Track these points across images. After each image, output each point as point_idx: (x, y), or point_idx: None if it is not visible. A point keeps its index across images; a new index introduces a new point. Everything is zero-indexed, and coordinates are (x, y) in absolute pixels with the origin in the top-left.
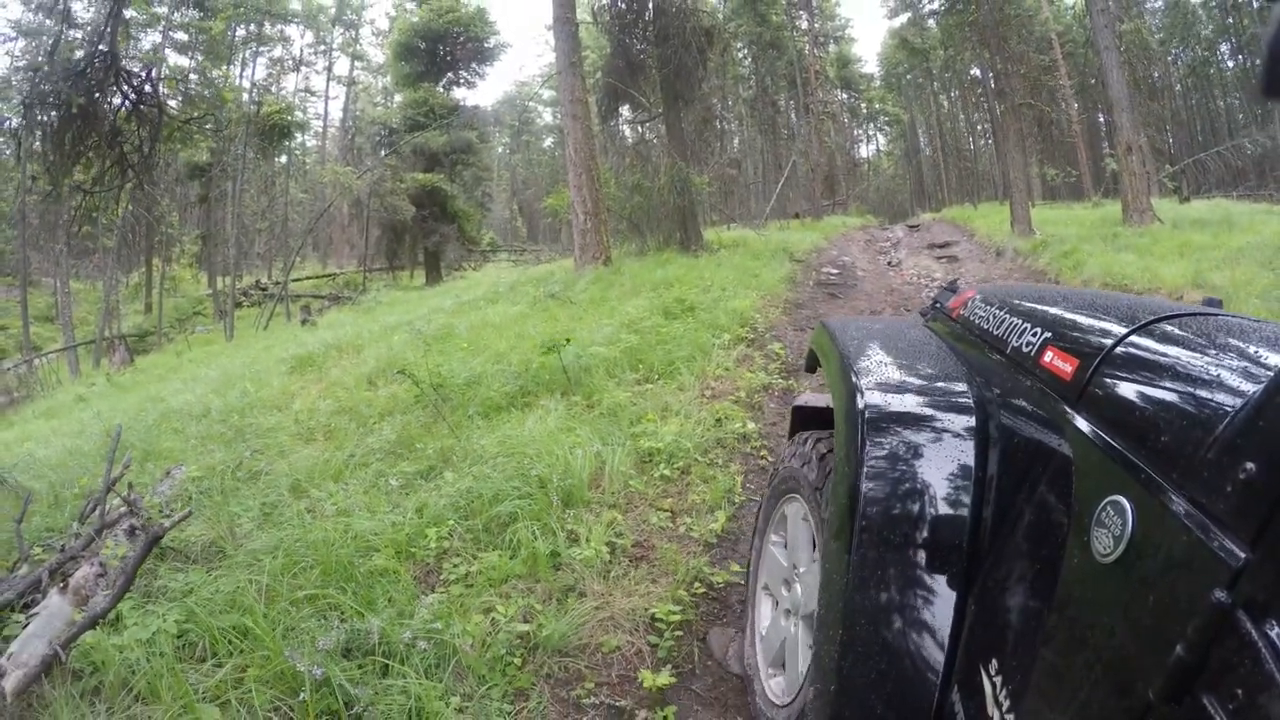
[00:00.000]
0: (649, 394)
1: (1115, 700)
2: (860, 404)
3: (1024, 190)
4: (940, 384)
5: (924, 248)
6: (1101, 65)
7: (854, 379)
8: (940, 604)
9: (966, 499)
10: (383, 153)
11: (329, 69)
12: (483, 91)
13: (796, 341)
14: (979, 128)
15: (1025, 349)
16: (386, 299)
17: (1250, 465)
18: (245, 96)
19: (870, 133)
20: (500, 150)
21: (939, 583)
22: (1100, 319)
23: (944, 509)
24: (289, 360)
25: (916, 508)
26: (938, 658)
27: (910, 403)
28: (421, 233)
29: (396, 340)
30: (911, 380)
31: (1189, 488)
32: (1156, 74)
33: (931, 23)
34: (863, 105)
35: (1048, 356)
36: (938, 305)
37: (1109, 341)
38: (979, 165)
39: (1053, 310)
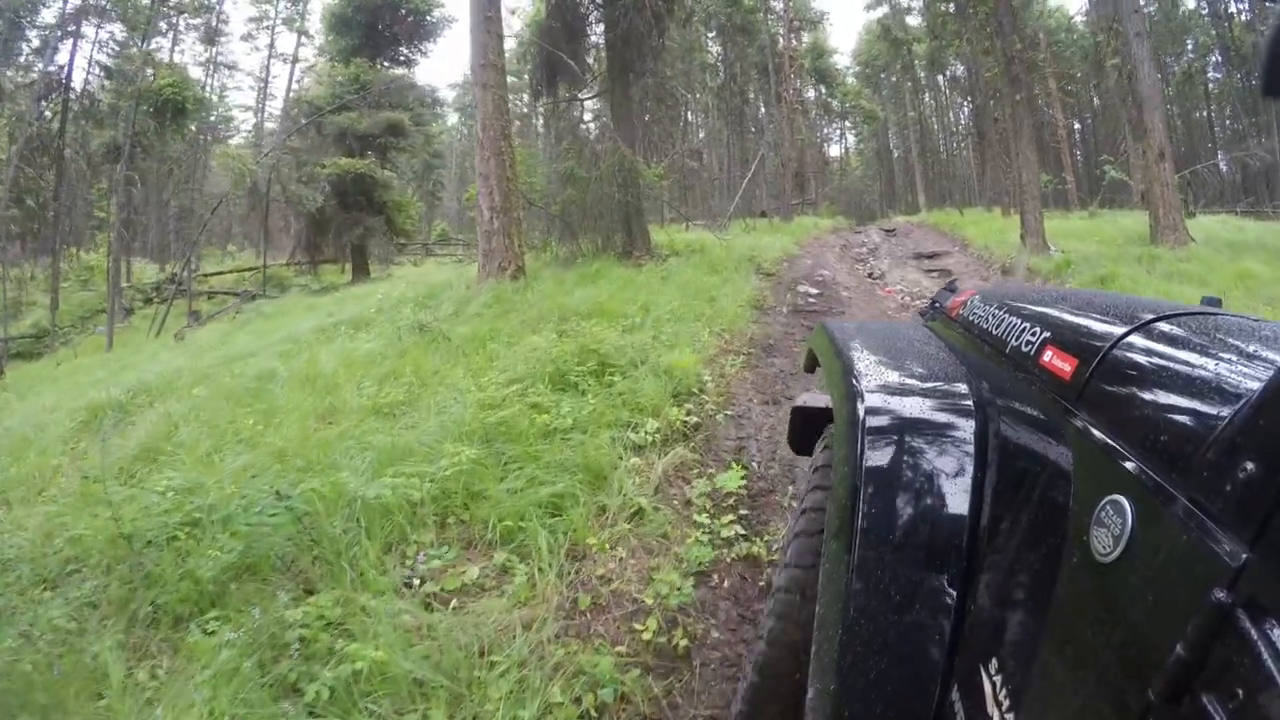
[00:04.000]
0: (453, 613)
1: (1114, 699)
2: (860, 405)
3: (1037, 196)
4: (940, 385)
5: (909, 258)
6: (1130, 56)
7: (854, 380)
8: (940, 603)
9: (966, 499)
10: (287, 135)
11: (271, 45)
12: (429, 71)
13: (771, 431)
14: (953, 130)
15: (1024, 349)
16: (271, 309)
17: (1250, 464)
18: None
19: (842, 131)
20: (457, 137)
21: (939, 582)
22: (1099, 318)
23: (943, 509)
24: (83, 410)
25: (916, 508)
26: (937, 657)
27: (910, 403)
28: (345, 224)
29: (204, 391)
30: (911, 381)
31: (1189, 487)
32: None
33: (912, 18)
34: (835, 101)
35: (1047, 356)
36: (936, 305)
37: (1108, 341)
38: (953, 169)
39: (1052, 310)
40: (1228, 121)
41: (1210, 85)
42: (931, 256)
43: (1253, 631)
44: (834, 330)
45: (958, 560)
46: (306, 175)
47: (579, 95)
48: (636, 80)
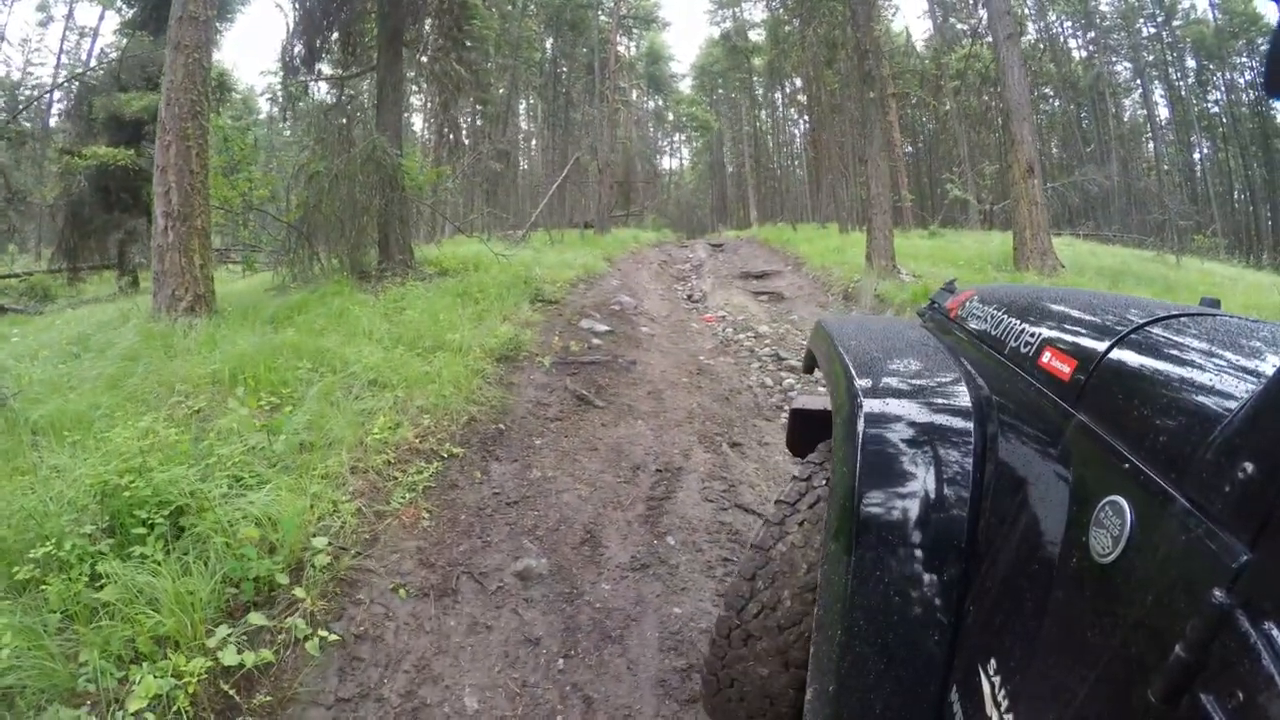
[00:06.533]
0: None
1: (1114, 700)
2: (859, 406)
3: (888, 210)
4: (939, 385)
5: (735, 277)
6: (999, 61)
7: (853, 381)
8: (939, 604)
9: (965, 500)
10: (11, 118)
11: (69, 17)
12: (233, 54)
13: (419, 674)
14: (786, 146)
15: (1024, 350)
16: None
17: (1249, 465)
18: None
19: (675, 144)
20: (275, 130)
21: (938, 583)
22: (1099, 319)
23: (943, 510)
24: None
25: (915, 509)
26: (937, 658)
27: (909, 404)
28: (107, 225)
29: None
30: (910, 382)
31: (1188, 488)
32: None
33: (755, 32)
34: (670, 113)
35: (1046, 357)
36: (935, 305)
37: (1107, 342)
38: (786, 185)
39: (1051, 311)
40: (1054, 150)
41: (1041, 118)
42: (760, 276)
43: (1252, 632)
44: (834, 330)
45: (957, 561)
46: (62, 166)
47: (343, 75)
48: (409, 52)
